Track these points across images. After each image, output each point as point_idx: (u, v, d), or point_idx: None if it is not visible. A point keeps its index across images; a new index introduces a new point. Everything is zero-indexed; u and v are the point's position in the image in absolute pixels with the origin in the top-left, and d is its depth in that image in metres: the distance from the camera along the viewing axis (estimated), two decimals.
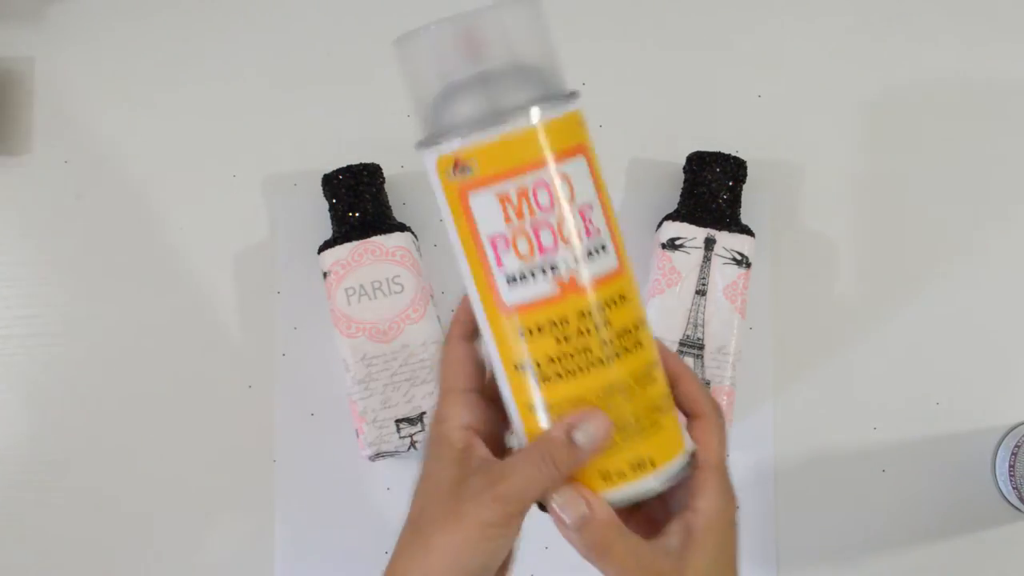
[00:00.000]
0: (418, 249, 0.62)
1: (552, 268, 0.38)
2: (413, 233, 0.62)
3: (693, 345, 0.60)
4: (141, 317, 0.64)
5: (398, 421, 0.59)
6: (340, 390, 0.61)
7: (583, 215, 0.39)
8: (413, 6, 0.67)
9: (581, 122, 0.39)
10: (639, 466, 0.40)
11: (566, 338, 0.39)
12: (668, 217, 0.62)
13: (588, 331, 0.39)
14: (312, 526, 0.63)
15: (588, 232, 0.39)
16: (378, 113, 0.66)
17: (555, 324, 0.39)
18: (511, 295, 0.39)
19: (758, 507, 0.64)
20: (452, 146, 0.38)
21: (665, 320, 0.60)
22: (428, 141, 0.38)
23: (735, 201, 0.62)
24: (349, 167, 0.61)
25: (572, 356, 0.39)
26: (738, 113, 0.66)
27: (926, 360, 0.65)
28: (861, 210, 0.66)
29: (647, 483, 0.40)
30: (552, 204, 0.38)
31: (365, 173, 0.61)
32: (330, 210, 0.62)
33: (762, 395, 0.64)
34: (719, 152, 0.61)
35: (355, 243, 0.60)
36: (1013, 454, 0.62)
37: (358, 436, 0.59)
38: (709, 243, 0.60)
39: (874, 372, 0.64)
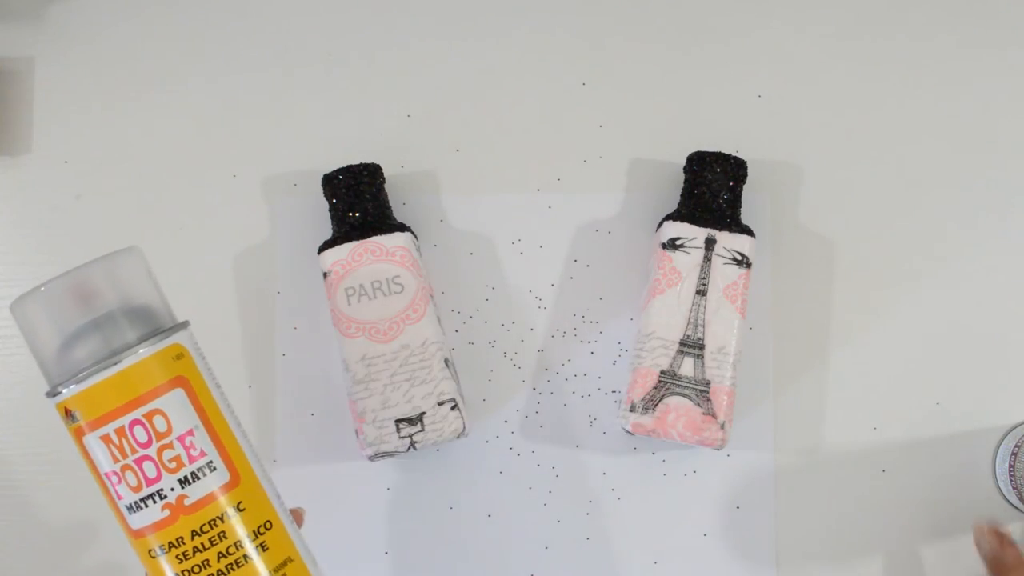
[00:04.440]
0: (418, 249, 0.62)
1: (160, 495, 0.43)
2: (413, 233, 0.62)
3: (693, 345, 0.59)
4: None
5: (398, 421, 0.58)
6: (340, 390, 0.62)
7: (183, 442, 0.44)
8: (412, 6, 0.67)
9: (180, 354, 0.45)
10: None
11: (185, 555, 0.44)
12: (668, 217, 0.62)
13: (204, 547, 0.44)
14: (312, 526, 0.63)
15: (191, 457, 0.44)
16: (378, 113, 0.66)
17: (173, 545, 0.44)
18: (134, 522, 0.44)
19: (758, 507, 0.64)
20: (61, 396, 0.43)
21: (665, 320, 0.60)
22: (49, 393, 0.44)
23: (735, 201, 0.61)
24: (349, 167, 0.61)
25: (195, 572, 0.44)
26: (738, 113, 0.66)
27: (926, 360, 0.65)
28: (861, 210, 0.66)
29: None
30: (150, 439, 0.43)
31: (365, 173, 0.61)
32: (330, 210, 0.62)
33: (762, 395, 0.64)
34: (719, 152, 0.61)
35: (355, 243, 0.60)
36: (1013, 454, 0.62)
37: (358, 436, 0.59)
38: (709, 243, 0.60)
39: (874, 372, 0.64)
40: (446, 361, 0.60)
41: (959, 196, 0.66)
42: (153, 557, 0.44)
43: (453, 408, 0.59)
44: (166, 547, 0.44)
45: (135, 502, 0.44)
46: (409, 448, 0.58)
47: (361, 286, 0.60)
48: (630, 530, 0.64)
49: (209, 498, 0.44)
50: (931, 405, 0.64)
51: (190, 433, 0.44)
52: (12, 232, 0.65)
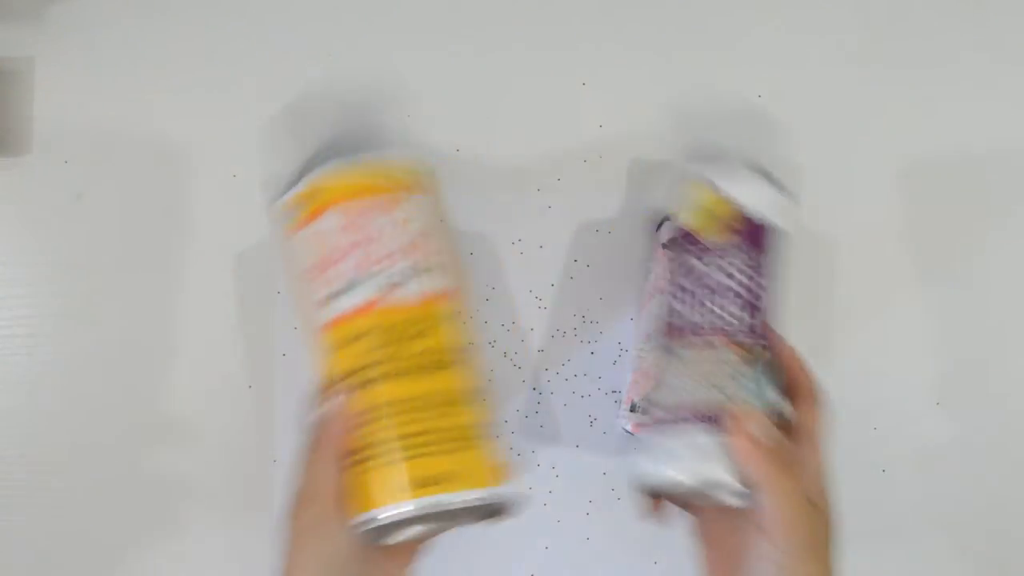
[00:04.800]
0: None
1: (387, 278, 0.44)
2: None
3: None
4: (141, 317, 0.65)
5: None
6: None
7: (420, 237, 0.45)
8: (412, 6, 0.67)
9: (429, 176, 0.48)
10: (438, 481, 0.43)
11: (383, 345, 0.43)
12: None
13: (388, 344, 0.43)
14: None
15: (426, 251, 0.45)
16: (378, 113, 0.66)
17: (384, 330, 0.44)
18: (348, 301, 0.44)
19: None
20: (312, 176, 0.47)
21: None
22: (293, 184, 0.47)
23: None
24: None
25: (384, 363, 0.43)
26: (738, 113, 0.66)
27: (927, 360, 0.65)
28: (861, 210, 0.66)
29: (448, 499, 0.43)
30: (385, 228, 0.45)
31: None
32: None
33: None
34: (719, 154, 0.62)
35: None
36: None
37: None
38: None
39: (874, 372, 0.64)
40: None
41: (960, 195, 0.66)
42: (355, 340, 0.44)
43: None
44: (367, 335, 0.44)
45: (356, 279, 0.44)
46: None
47: None
48: (630, 530, 0.64)
49: (432, 296, 0.45)
50: (931, 405, 0.64)
51: (427, 233, 0.46)
52: (12, 232, 0.65)
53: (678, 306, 0.48)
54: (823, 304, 0.65)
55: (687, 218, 0.49)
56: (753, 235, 0.47)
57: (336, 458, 0.45)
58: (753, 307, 0.48)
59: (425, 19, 0.67)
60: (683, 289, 0.48)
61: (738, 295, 0.48)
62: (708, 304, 0.48)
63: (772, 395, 0.48)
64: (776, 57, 0.67)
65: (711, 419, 0.46)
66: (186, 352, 0.64)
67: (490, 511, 0.44)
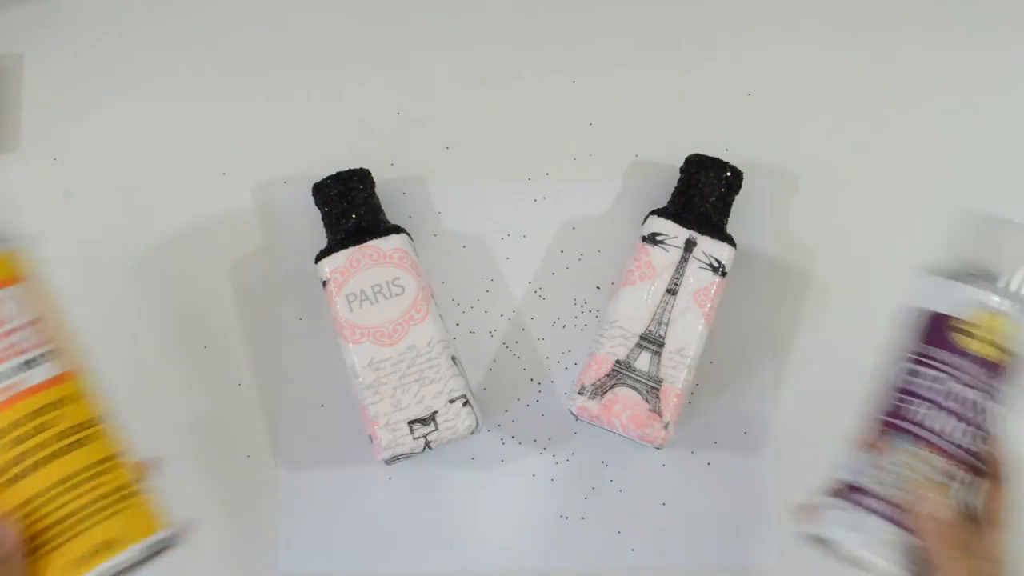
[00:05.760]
0: (414, 249, 0.62)
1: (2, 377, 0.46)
2: (408, 234, 0.62)
3: (653, 341, 0.60)
4: (134, 317, 0.64)
5: (411, 422, 0.59)
6: (341, 390, 0.62)
7: (11, 335, 0.46)
8: (404, 5, 0.67)
9: (17, 262, 0.48)
10: (108, 546, 0.46)
11: (10, 444, 0.45)
12: (655, 212, 0.62)
13: (27, 436, 0.45)
14: (313, 526, 0.64)
15: (17, 351, 0.46)
16: (369, 110, 0.66)
17: (9, 427, 0.45)
18: None
19: (759, 508, 0.65)
20: None
21: (631, 312, 0.60)
22: None
23: (724, 209, 0.62)
24: (339, 174, 0.61)
25: (18, 461, 0.45)
26: (738, 117, 0.67)
27: None
28: (859, 214, 0.66)
29: (119, 559, 0.46)
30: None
31: (355, 179, 0.61)
32: (323, 218, 0.62)
33: (762, 397, 0.65)
34: (718, 159, 0.61)
35: (351, 249, 0.60)
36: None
37: (372, 441, 0.59)
38: (689, 245, 0.60)
39: (872, 375, 0.65)
40: (453, 359, 0.60)
41: (959, 199, 0.66)
42: None
43: (465, 404, 0.59)
44: (9, 427, 0.45)
45: None
46: (424, 448, 0.59)
47: (362, 291, 0.60)
48: (631, 522, 0.65)
49: (34, 390, 0.46)
50: None
51: (21, 328, 0.47)
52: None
53: (919, 408, 0.50)
54: (824, 304, 0.65)
55: (975, 344, 0.50)
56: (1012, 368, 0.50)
57: (13, 559, 0.45)
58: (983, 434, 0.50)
59: (416, 18, 0.67)
60: (931, 396, 0.50)
61: (972, 421, 0.50)
62: (948, 420, 0.50)
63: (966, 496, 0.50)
64: (769, 58, 0.67)
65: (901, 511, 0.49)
66: (183, 352, 0.64)
67: (157, 552, 0.48)
